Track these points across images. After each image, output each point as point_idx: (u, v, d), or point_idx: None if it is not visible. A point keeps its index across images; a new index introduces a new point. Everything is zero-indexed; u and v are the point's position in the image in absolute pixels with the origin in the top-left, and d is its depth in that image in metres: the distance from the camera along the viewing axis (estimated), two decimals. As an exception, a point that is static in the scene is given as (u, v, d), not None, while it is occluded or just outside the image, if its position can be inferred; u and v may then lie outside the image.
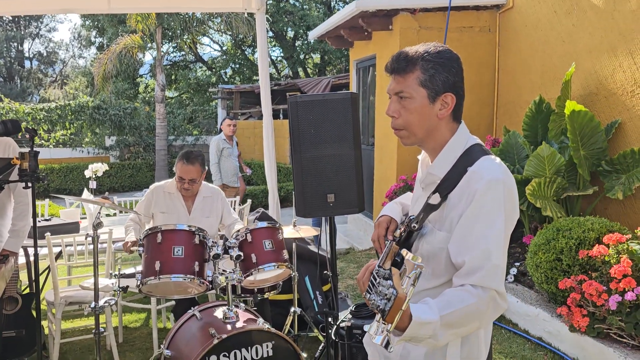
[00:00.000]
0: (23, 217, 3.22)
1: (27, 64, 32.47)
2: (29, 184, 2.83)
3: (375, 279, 1.22)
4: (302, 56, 20.94)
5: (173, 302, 4.20)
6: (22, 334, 3.56)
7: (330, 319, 3.13)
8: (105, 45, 18.94)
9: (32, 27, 31.59)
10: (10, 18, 28.80)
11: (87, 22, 22.78)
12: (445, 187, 1.47)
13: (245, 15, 12.56)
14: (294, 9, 17.74)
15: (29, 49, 32.58)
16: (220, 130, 9.36)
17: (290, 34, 20.48)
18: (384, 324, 1.15)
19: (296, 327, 3.81)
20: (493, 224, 1.37)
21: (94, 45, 24.61)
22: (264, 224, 3.11)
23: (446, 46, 1.54)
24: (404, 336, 1.22)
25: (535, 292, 4.28)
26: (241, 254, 2.86)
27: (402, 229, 1.56)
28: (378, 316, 1.19)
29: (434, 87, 1.47)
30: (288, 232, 3.48)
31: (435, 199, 1.46)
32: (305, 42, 19.83)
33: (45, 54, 33.10)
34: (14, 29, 30.16)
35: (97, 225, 2.84)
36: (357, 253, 6.48)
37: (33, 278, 4.41)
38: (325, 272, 3.26)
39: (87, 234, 2.97)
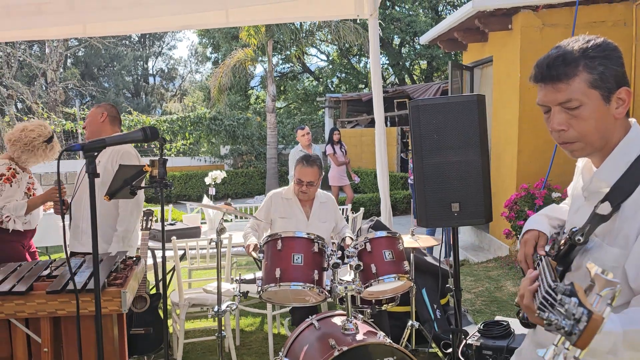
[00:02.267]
0: (122, 222, 3.35)
1: (150, 80, 35.30)
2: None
3: (553, 296, 1.04)
4: (408, 63, 20.65)
5: (286, 309, 4.23)
6: (149, 332, 3.75)
7: (451, 336, 2.94)
8: (220, 60, 20.02)
9: (156, 46, 34.31)
10: (137, 39, 31.54)
11: (203, 40, 24.30)
12: (617, 195, 1.26)
13: (352, 23, 12.62)
14: (401, 16, 17.55)
15: (153, 67, 35.43)
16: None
17: (397, 40, 20.28)
18: (567, 349, 0.96)
19: (413, 341, 3.64)
20: None
21: (210, 61, 26.17)
22: (383, 233, 3.00)
23: (598, 35, 1.33)
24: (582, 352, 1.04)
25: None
26: (361, 263, 2.77)
27: (563, 241, 1.36)
28: (558, 339, 1.01)
29: (606, 85, 1.26)
30: (406, 241, 3.34)
31: (605, 208, 1.26)
32: (412, 48, 19.52)
33: (166, 71, 35.79)
34: (140, 49, 32.95)
35: (221, 231, 2.89)
36: (473, 265, 6.15)
37: (159, 279, 4.67)
38: (447, 285, 3.07)
39: (211, 238, 3.05)
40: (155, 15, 5.46)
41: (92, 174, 1.61)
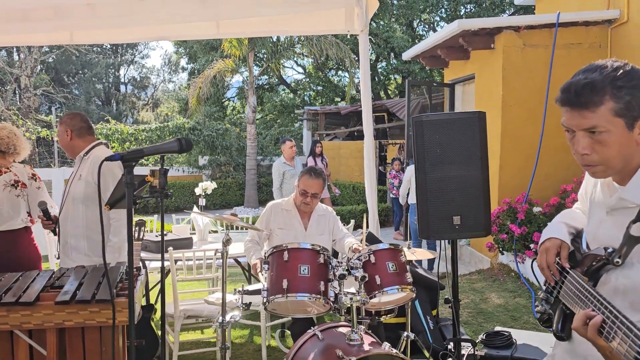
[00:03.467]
0: (117, 233, 3.31)
1: (122, 88, 34.82)
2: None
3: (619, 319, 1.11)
4: (383, 78, 20.94)
5: (280, 320, 4.23)
6: (142, 344, 3.70)
7: (449, 346, 3.01)
8: (197, 71, 19.93)
9: (128, 54, 33.91)
10: (109, 46, 31.11)
11: (179, 49, 24.14)
12: None
13: (333, 38, 12.77)
14: (378, 31, 17.83)
15: (125, 75, 34.98)
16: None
17: (372, 56, 20.57)
18: None
19: (408, 352, 3.69)
20: None
21: (186, 71, 25.97)
22: (386, 245, 3.06)
23: (626, 62, 1.40)
24: None
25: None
26: (366, 275, 2.82)
27: (599, 258, 1.43)
28: None
29: (631, 113, 1.33)
30: (403, 254, 3.40)
31: (638, 229, 1.33)
32: (389, 63, 19.82)
33: (138, 79, 35.38)
34: (113, 57, 32.52)
35: (227, 242, 2.90)
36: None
37: (150, 289, 4.60)
38: (446, 297, 3.14)
39: (217, 250, 3.06)
40: (145, 24, 5.44)
41: (130, 183, 1.62)
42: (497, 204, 6.25)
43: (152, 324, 3.90)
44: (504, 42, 6.29)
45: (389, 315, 3.31)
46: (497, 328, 3.25)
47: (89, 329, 2.45)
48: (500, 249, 6.05)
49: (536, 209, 5.77)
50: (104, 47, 30.37)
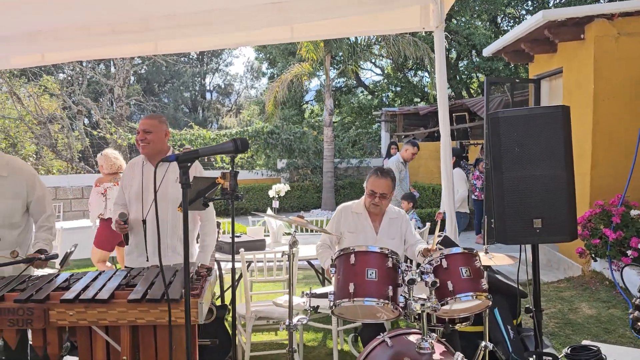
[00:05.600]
0: (212, 233, 3.45)
1: (207, 95, 36.34)
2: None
3: None
4: (465, 76, 20.27)
5: (352, 324, 4.16)
6: (216, 344, 3.77)
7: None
8: (275, 76, 20.36)
9: (213, 62, 35.34)
10: (196, 56, 32.60)
11: (260, 55, 24.80)
12: None
13: (411, 37, 12.52)
14: (458, 29, 17.28)
15: (210, 82, 36.48)
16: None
17: (454, 54, 19.98)
18: None
19: (487, 363, 3.48)
20: None
21: (266, 76, 26.63)
22: (459, 249, 2.89)
23: None
24: None
25: None
26: (437, 280, 2.68)
27: None
28: None
29: None
30: (480, 259, 3.20)
31: None
32: (470, 61, 19.16)
33: (222, 86, 36.74)
34: (199, 66, 34.03)
35: (293, 244, 2.87)
36: (542, 285, 5.86)
37: (225, 290, 4.70)
38: (527, 306, 2.92)
39: (284, 252, 3.05)
40: (222, 32, 5.59)
41: (185, 184, 1.62)
42: (588, 206, 5.79)
43: (226, 324, 3.97)
44: (596, 32, 5.83)
45: (464, 324, 3.13)
46: (585, 342, 2.97)
47: (160, 327, 2.51)
48: (593, 255, 5.59)
49: (634, 212, 5.28)
50: (191, 56, 31.88)
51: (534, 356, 2.78)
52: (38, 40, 5.16)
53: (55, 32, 5.11)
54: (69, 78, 18.30)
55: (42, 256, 2.91)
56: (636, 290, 1.55)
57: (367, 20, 5.36)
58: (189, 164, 1.73)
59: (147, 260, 3.35)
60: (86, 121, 21.14)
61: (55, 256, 2.96)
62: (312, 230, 5.09)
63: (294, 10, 4.98)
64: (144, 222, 3.37)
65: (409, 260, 3.65)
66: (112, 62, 20.21)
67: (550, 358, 3.02)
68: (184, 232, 1.66)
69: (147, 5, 4.83)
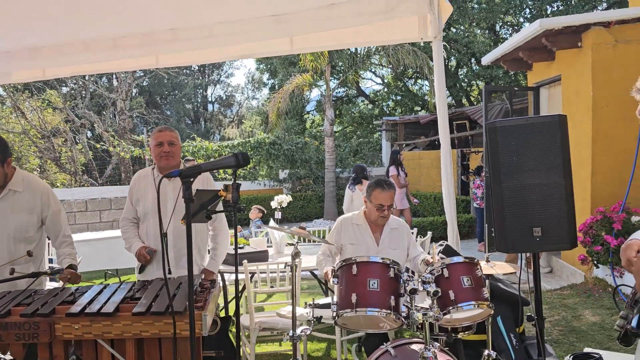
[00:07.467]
0: (224, 242, 3.49)
1: (209, 107, 36.49)
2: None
3: None
4: (465, 84, 20.35)
5: (356, 334, 4.17)
6: (220, 355, 3.78)
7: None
8: (277, 86, 20.46)
9: (215, 74, 35.53)
10: (197, 68, 32.78)
11: (261, 66, 24.94)
12: None
13: (410, 46, 12.59)
14: (457, 37, 17.37)
15: (212, 94, 36.64)
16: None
17: (453, 62, 20.07)
18: None
19: (490, 372, 3.48)
20: None
21: (267, 87, 26.76)
22: (460, 259, 2.92)
23: None
24: None
25: None
26: (439, 290, 2.70)
27: None
28: None
29: None
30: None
31: None
32: (470, 69, 19.25)
33: (224, 98, 36.90)
34: (200, 77, 34.22)
35: (296, 255, 2.90)
36: (545, 293, 5.86)
37: (229, 301, 4.71)
38: (529, 314, 2.94)
39: (286, 263, 3.08)
40: (222, 45, 5.65)
41: (189, 199, 1.66)
42: (589, 213, 5.80)
43: (230, 335, 3.99)
44: (593, 40, 5.88)
45: (467, 332, 3.15)
46: (587, 349, 2.99)
47: (165, 340, 2.53)
48: (595, 262, 5.60)
49: (635, 218, 5.29)
50: (192, 68, 32.06)
51: (537, 364, 2.79)
52: (39, 56, 5.22)
53: (56, 47, 5.16)
54: (72, 91, 18.43)
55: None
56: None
57: (366, 32, 5.41)
58: (191, 179, 1.76)
59: (170, 273, 3.37)
60: (89, 134, 21.25)
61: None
62: (314, 241, 5.11)
63: (294, 22, 5.04)
64: (165, 235, 3.40)
65: (410, 270, 3.66)
66: (114, 75, 20.37)
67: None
68: (187, 246, 1.69)
69: (148, 19, 4.89)
